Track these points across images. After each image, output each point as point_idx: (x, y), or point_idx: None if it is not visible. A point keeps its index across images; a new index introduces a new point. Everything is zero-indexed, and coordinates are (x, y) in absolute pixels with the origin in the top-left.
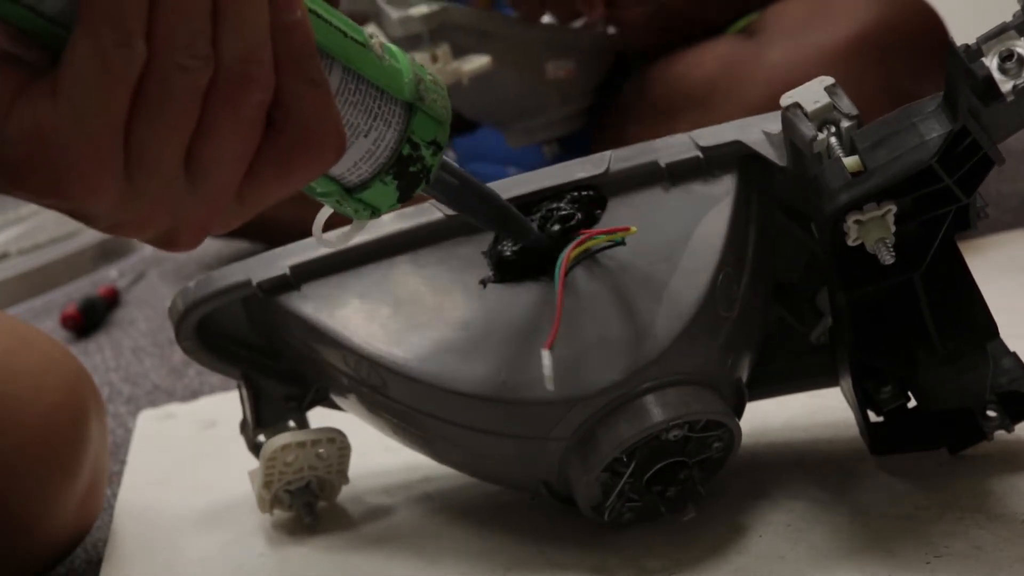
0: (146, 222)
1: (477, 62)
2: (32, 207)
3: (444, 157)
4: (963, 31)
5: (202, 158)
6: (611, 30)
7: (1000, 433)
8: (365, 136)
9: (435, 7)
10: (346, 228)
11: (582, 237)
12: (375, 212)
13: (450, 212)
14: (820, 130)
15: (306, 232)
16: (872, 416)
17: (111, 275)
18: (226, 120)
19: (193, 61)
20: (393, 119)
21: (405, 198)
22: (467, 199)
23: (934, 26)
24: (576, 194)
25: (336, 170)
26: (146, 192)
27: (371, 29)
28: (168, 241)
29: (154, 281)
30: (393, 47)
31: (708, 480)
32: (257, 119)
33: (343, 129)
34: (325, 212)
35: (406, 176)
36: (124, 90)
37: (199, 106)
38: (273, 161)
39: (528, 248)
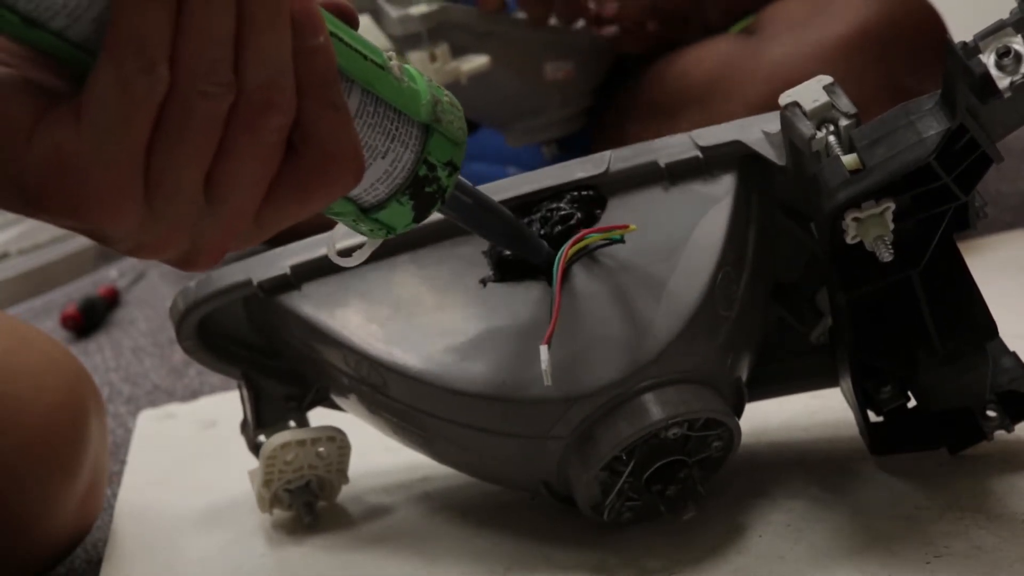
0: (165, 244)
1: (476, 62)
2: None
3: (459, 177)
4: (962, 28)
5: (222, 182)
6: (594, 32)
7: (1000, 433)
8: (383, 157)
9: (434, 6)
10: (361, 248)
11: (581, 233)
12: (390, 231)
13: None
14: (819, 128)
15: (307, 232)
16: (872, 416)
17: (111, 275)
18: (246, 145)
19: (215, 88)
20: (410, 140)
21: (420, 218)
22: (481, 218)
23: (934, 23)
24: (576, 194)
25: (353, 191)
26: (166, 215)
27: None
28: (186, 262)
29: (154, 281)
30: (411, 68)
31: (708, 479)
32: (277, 143)
33: (362, 153)
34: (340, 230)
35: (422, 196)
36: (146, 115)
37: (220, 131)
38: (292, 184)
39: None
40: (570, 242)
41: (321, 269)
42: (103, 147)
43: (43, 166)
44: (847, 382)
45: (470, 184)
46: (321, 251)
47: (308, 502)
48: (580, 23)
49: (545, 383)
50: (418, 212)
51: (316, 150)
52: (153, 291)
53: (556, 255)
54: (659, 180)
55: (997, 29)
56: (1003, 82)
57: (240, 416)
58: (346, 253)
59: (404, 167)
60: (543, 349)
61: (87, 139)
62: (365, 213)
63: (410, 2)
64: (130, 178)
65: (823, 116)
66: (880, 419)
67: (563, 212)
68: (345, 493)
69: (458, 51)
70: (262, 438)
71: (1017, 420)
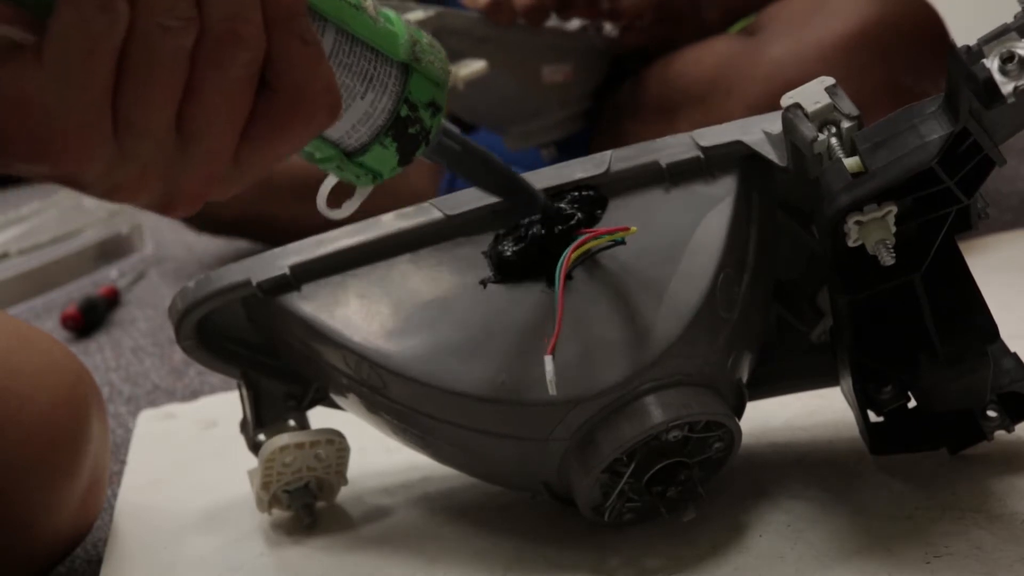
0: (139, 187)
1: (473, 66)
2: (33, 207)
3: (446, 123)
4: (961, 27)
5: (193, 121)
6: (608, 27)
7: (1000, 433)
8: (361, 98)
9: (431, 12)
10: (350, 199)
11: (582, 239)
12: (377, 177)
13: (450, 212)
14: (821, 131)
15: (305, 231)
16: (872, 416)
17: (111, 275)
18: (214, 81)
19: (176, 22)
20: (389, 80)
21: (405, 161)
22: (471, 166)
23: (932, 22)
24: (577, 194)
25: (334, 133)
26: (136, 156)
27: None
28: (165, 207)
29: (154, 281)
30: (389, 11)
31: (708, 480)
32: (246, 79)
33: (337, 88)
34: (330, 181)
35: (405, 138)
36: (108, 54)
37: (186, 67)
38: (267, 123)
39: (528, 247)
40: (571, 248)
41: (320, 270)
42: (66, 88)
43: (6, 110)
44: (847, 382)
45: (457, 131)
46: (320, 251)
47: (307, 503)
48: (577, 23)
49: (550, 393)
50: (402, 155)
51: (289, 86)
52: (153, 291)
53: (556, 251)
54: (660, 181)
55: (1001, 33)
56: (1007, 87)
57: (240, 416)
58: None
59: (384, 108)
60: (547, 360)
61: (50, 81)
62: (349, 158)
63: (406, 8)
64: (96, 118)
65: (825, 118)
66: (880, 419)
67: (564, 212)
68: (345, 493)
69: (455, 56)
70: (262, 437)
71: (1017, 420)
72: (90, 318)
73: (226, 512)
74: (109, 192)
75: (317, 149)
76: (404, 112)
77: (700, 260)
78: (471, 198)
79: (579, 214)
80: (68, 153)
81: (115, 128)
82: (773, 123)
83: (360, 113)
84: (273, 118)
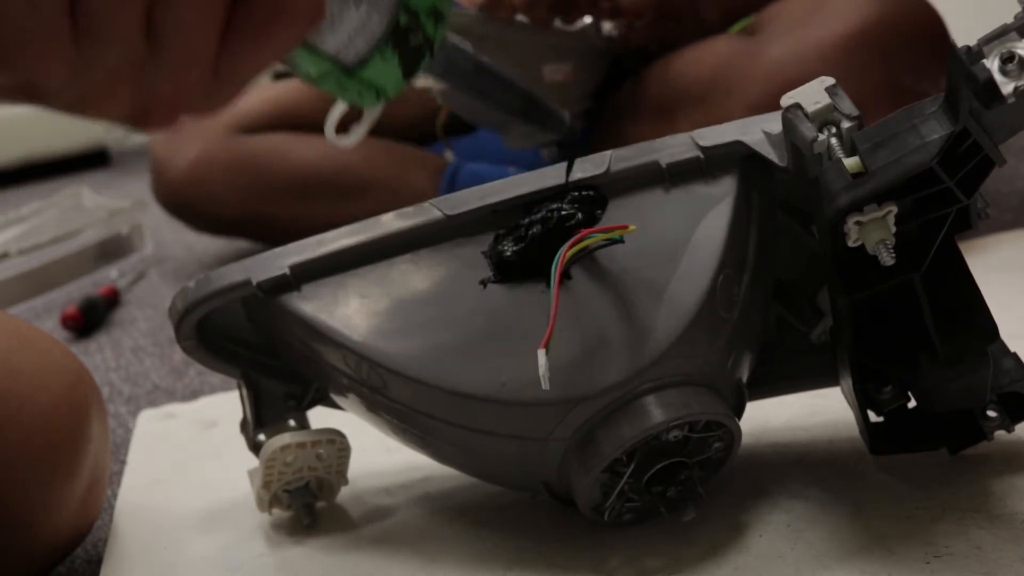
0: (107, 96)
1: None
2: (33, 207)
3: (456, 41)
4: (961, 27)
5: (162, 24)
6: (606, 26)
7: (1000, 433)
8: (356, 7)
9: None
10: (357, 125)
11: (580, 234)
12: (380, 93)
13: (450, 212)
14: (821, 131)
15: (305, 231)
16: (872, 416)
17: (111, 275)
18: None
19: None
20: None
21: (410, 74)
22: (486, 84)
23: (933, 22)
24: (577, 194)
25: (329, 46)
26: (101, 62)
27: None
28: (139, 119)
29: (154, 281)
30: None
31: (708, 480)
32: None
33: None
34: (337, 109)
35: (407, 49)
36: None
37: None
38: (244, 28)
39: (528, 247)
40: (568, 243)
41: (320, 270)
42: None
43: None
44: (847, 382)
45: (469, 50)
46: (320, 251)
47: (307, 503)
48: (579, 24)
49: (543, 387)
50: (406, 67)
51: None
52: (153, 291)
53: (555, 249)
54: (660, 181)
55: (1001, 34)
56: (1007, 87)
57: (240, 416)
58: None
59: (382, 16)
60: (541, 353)
61: None
62: (348, 73)
63: None
64: (54, 18)
65: (825, 118)
66: (880, 419)
67: (564, 212)
68: (345, 493)
69: None
70: (262, 437)
71: (1017, 420)
72: (90, 318)
73: (226, 512)
74: (75, 103)
75: (313, 65)
76: (404, 20)
77: (700, 260)
78: (471, 198)
79: (579, 214)
80: (23, 56)
81: (75, 31)
82: (773, 123)
83: (355, 23)
84: (250, 23)
